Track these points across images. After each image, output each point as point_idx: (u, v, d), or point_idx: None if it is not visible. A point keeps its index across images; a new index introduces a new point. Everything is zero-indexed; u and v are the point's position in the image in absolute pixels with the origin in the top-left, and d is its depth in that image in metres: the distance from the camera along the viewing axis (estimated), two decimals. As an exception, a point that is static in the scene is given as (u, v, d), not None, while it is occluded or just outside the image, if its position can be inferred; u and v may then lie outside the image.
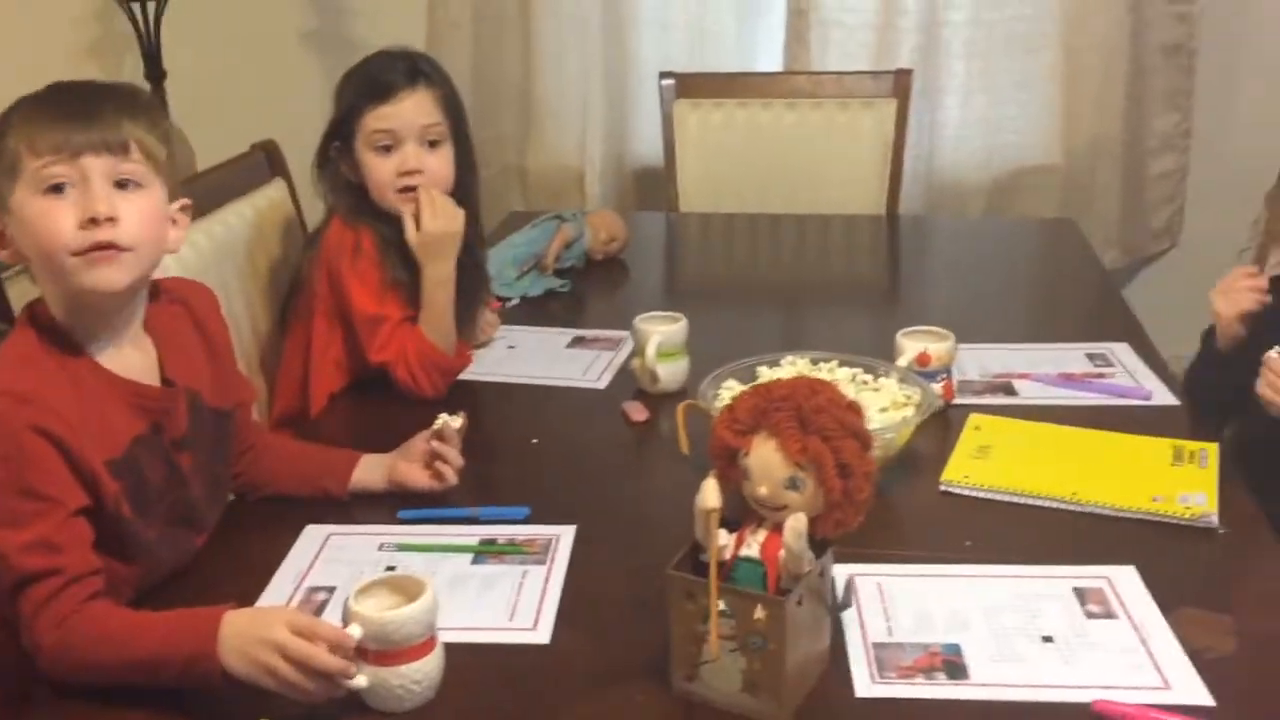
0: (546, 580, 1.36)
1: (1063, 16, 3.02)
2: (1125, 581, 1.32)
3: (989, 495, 1.51)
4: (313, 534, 1.47)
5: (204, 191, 1.87)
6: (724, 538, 1.14)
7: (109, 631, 1.18)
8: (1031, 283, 2.47)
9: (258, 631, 1.12)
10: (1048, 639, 1.23)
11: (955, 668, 1.19)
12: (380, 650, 1.12)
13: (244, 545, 1.46)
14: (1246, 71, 3.09)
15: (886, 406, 1.55)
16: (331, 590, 1.35)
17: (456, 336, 1.86)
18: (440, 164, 1.86)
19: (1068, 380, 1.82)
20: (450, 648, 1.17)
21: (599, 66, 3.12)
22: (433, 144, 1.84)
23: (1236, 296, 1.76)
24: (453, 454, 1.52)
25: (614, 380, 1.89)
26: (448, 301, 1.83)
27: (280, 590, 1.36)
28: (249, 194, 2.07)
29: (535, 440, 1.71)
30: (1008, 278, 2.43)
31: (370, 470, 1.55)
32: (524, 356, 2.00)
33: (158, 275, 1.39)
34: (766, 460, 1.12)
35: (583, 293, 2.31)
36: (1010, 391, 1.80)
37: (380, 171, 1.84)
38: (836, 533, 1.14)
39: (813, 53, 3.07)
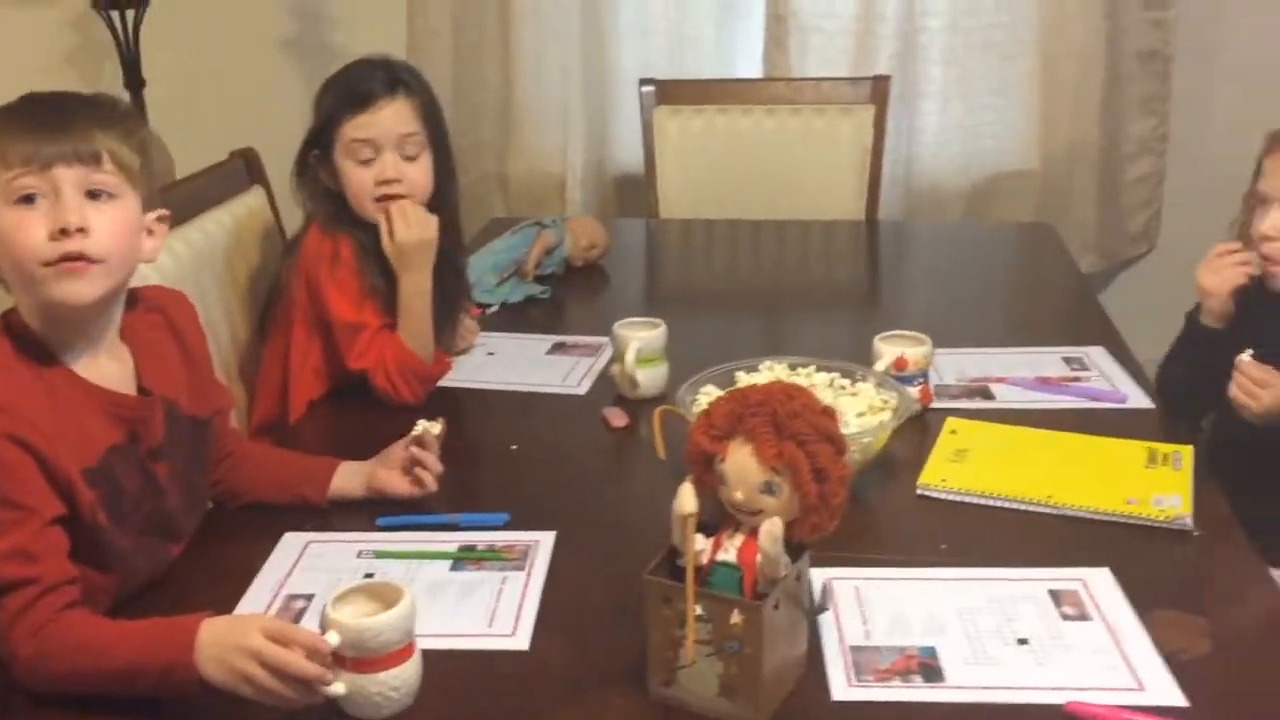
0: (526, 586, 1.36)
1: (1040, 23, 3.03)
2: (1100, 584, 1.33)
3: (965, 499, 1.52)
4: (291, 541, 1.46)
5: (183, 199, 1.88)
6: (701, 542, 1.14)
7: (85, 640, 1.18)
8: (1009, 287, 2.48)
9: (234, 639, 1.12)
10: (1023, 641, 1.24)
11: (931, 670, 1.20)
12: (358, 657, 1.12)
13: (222, 553, 1.45)
14: (1222, 77, 3.11)
15: (864, 411, 1.56)
16: (310, 598, 1.34)
17: (436, 344, 1.86)
18: (419, 173, 1.86)
19: (1044, 384, 1.83)
20: (429, 654, 1.17)
21: (579, 73, 3.12)
22: (411, 154, 1.84)
23: (1226, 272, 1.74)
24: (432, 460, 1.52)
25: (594, 386, 1.89)
26: (426, 309, 1.83)
27: (258, 598, 1.35)
28: (228, 202, 2.07)
29: (515, 446, 1.72)
30: (985, 282, 2.44)
31: (349, 477, 1.55)
32: (504, 363, 2.00)
33: (136, 283, 1.39)
34: (742, 465, 1.12)
35: (563, 299, 2.31)
36: (987, 395, 1.81)
37: (359, 180, 1.84)
38: (813, 537, 1.15)
39: (792, 58, 3.07)
